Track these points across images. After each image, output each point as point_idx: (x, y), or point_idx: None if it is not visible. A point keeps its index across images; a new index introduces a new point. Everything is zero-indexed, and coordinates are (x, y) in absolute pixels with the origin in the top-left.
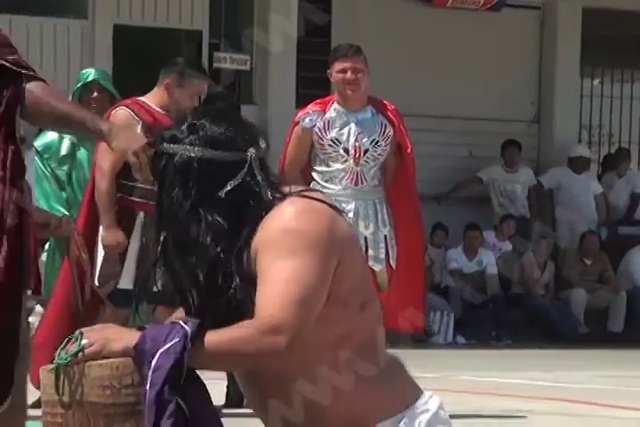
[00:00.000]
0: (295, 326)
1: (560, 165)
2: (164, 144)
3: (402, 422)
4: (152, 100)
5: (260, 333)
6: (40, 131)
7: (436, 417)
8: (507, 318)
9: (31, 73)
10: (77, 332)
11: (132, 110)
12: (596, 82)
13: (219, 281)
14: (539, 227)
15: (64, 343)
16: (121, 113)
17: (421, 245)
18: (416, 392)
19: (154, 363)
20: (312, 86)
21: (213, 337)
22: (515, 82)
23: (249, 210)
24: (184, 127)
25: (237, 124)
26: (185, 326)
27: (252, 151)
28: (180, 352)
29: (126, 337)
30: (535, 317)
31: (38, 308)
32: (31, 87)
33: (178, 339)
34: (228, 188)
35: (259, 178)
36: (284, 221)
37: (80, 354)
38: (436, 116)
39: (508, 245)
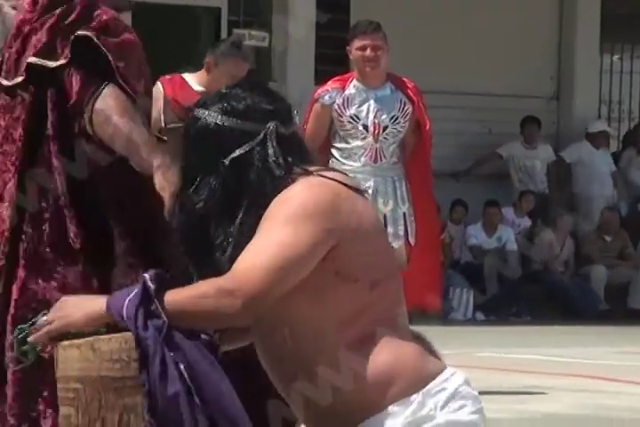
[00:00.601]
0: (255, 290)
1: (579, 140)
2: (195, 109)
3: (414, 403)
4: (194, 77)
5: (220, 292)
6: None
7: (455, 394)
8: (526, 294)
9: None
10: (42, 313)
11: (162, 85)
12: (616, 58)
13: (216, 251)
14: (558, 203)
15: None
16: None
17: (437, 222)
18: (436, 370)
19: (124, 314)
20: (331, 63)
21: (174, 291)
22: (534, 58)
23: (252, 182)
24: (217, 95)
25: (268, 96)
26: (145, 275)
27: (271, 124)
28: (141, 294)
29: (86, 307)
30: (555, 293)
31: None
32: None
33: (138, 287)
34: (234, 155)
35: (270, 151)
36: (288, 192)
37: (42, 334)
38: (455, 93)
39: (527, 222)
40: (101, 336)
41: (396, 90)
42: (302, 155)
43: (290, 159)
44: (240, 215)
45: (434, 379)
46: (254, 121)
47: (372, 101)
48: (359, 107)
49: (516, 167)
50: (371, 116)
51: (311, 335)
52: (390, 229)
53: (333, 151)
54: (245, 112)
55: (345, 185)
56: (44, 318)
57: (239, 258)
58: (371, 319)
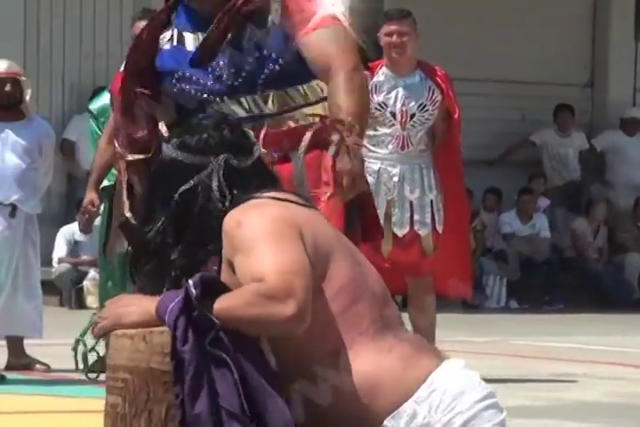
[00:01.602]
0: (300, 294)
1: (613, 128)
2: (163, 143)
3: (406, 414)
4: None
5: (265, 298)
6: (94, 94)
7: (447, 392)
8: (559, 282)
9: None
10: (93, 313)
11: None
12: None
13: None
14: (591, 191)
15: None
16: None
17: (468, 210)
18: (425, 372)
19: (166, 321)
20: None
21: (222, 297)
22: (568, 45)
23: (196, 216)
24: (181, 128)
25: (228, 130)
26: (189, 280)
27: (220, 158)
28: (183, 301)
29: (138, 309)
30: (588, 281)
31: (92, 273)
32: None
33: (181, 295)
34: (182, 189)
35: (213, 185)
36: (234, 221)
37: (97, 329)
38: (490, 80)
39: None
40: (155, 329)
41: (426, 78)
42: (261, 186)
43: (237, 192)
44: (183, 248)
45: (422, 382)
46: (204, 154)
47: (400, 89)
48: (387, 94)
49: (549, 155)
50: (398, 103)
51: (292, 353)
52: (417, 217)
53: None
54: (198, 146)
55: (294, 202)
56: (98, 316)
57: (249, 275)
58: (342, 329)
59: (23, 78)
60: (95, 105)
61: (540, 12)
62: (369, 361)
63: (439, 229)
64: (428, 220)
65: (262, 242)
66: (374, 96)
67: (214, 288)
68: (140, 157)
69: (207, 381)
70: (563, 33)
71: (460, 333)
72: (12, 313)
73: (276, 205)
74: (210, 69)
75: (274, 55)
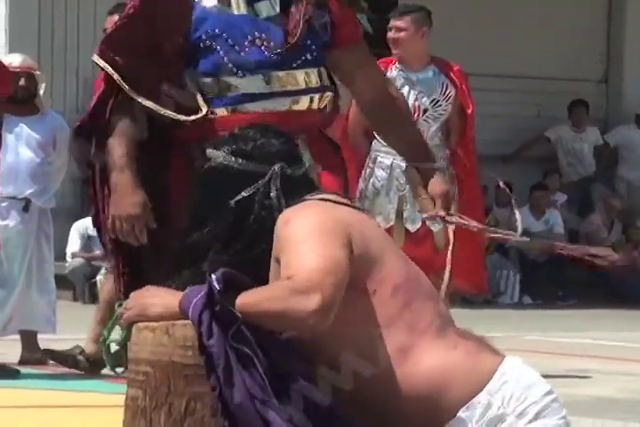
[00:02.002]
0: (327, 292)
1: (628, 123)
2: (207, 149)
3: (481, 404)
4: None
5: (292, 293)
6: None
7: (518, 384)
8: (573, 277)
9: None
10: (117, 303)
11: None
12: None
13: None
14: (605, 186)
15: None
16: None
17: (482, 206)
18: (493, 366)
19: (190, 316)
20: (376, 46)
21: (246, 292)
22: (583, 41)
23: (252, 224)
24: (228, 136)
25: (277, 139)
26: (212, 275)
27: (276, 166)
28: (207, 295)
29: (163, 301)
30: (601, 277)
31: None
32: None
33: (205, 290)
34: (238, 197)
35: (272, 194)
36: (284, 219)
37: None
38: (504, 76)
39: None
40: (177, 322)
41: (439, 73)
42: (309, 194)
43: (290, 201)
44: (230, 255)
45: (492, 375)
46: (260, 162)
47: (412, 84)
48: (400, 89)
49: (564, 150)
50: (411, 98)
51: (357, 352)
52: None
53: (376, 134)
54: (252, 154)
55: (342, 204)
56: (123, 306)
57: (288, 268)
58: (405, 328)
59: (37, 72)
60: None
61: (555, 7)
62: (438, 356)
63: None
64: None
65: (304, 241)
66: None
67: (236, 284)
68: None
69: (238, 371)
70: (578, 29)
71: (473, 328)
72: (26, 308)
73: (326, 206)
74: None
75: (314, 46)
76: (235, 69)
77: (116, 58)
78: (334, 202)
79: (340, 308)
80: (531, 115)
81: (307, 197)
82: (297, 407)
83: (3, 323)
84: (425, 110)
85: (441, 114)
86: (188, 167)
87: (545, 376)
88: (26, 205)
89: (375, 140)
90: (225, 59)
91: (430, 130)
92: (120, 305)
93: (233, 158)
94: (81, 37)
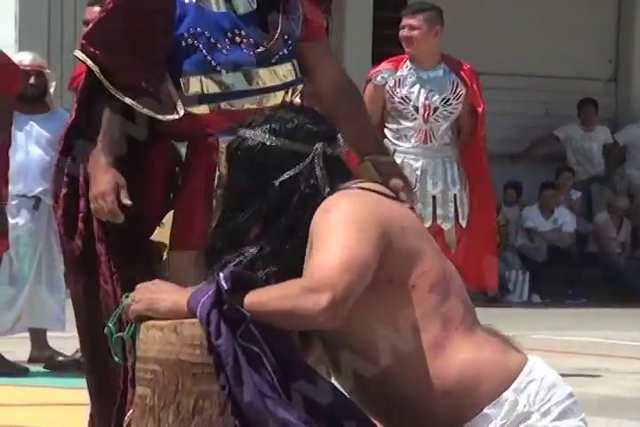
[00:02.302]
0: (341, 290)
1: (637, 123)
2: (240, 129)
3: (507, 402)
4: None
5: (303, 290)
6: None
7: (543, 384)
8: (582, 276)
9: None
10: (124, 295)
11: None
12: None
13: (263, 271)
14: (614, 185)
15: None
16: None
17: (494, 205)
18: (520, 364)
19: (198, 315)
20: (388, 44)
21: (256, 291)
22: (592, 40)
23: (297, 204)
24: (262, 116)
25: (314, 118)
26: (220, 274)
27: (319, 146)
28: (215, 294)
29: (173, 297)
30: (611, 276)
31: None
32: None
33: (212, 289)
34: (283, 177)
35: (317, 173)
36: (329, 201)
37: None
38: (514, 75)
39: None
40: (185, 320)
41: (450, 72)
42: (347, 177)
43: (335, 181)
44: (280, 235)
45: (519, 373)
46: (302, 142)
47: (423, 83)
48: (410, 88)
49: (573, 149)
50: (421, 97)
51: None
52: (440, 211)
53: (386, 132)
54: (293, 132)
55: (382, 194)
56: (130, 298)
57: (310, 264)
58: (440, 323)
59: (47, 71)
60: None
61: (565, 6)
62: (469, 352)
63: (462, 223)
64: (451, 214)
65: (338, 233)
66: (398, 90)
67: (245, 282)
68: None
69: (247, 370)
70: (587, 28)
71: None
72: (36, 306)
73: (369, 196)
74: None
75: (290, 41)
76: (218, 68)
77: (97, 52)
78: (377, 192)
79: (374, 302)
80: (539, 113)
81: (349, 184)
82: (303, 407)
83: (12, 321)
84: (435, 109)
85: (451, 113)
86: (168, 165)
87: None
88: (36, 203)
89: (386, 140)
90: (208, 57)
91: (440, 129)
92: (127, 297)
93: (274, 138)
94: None
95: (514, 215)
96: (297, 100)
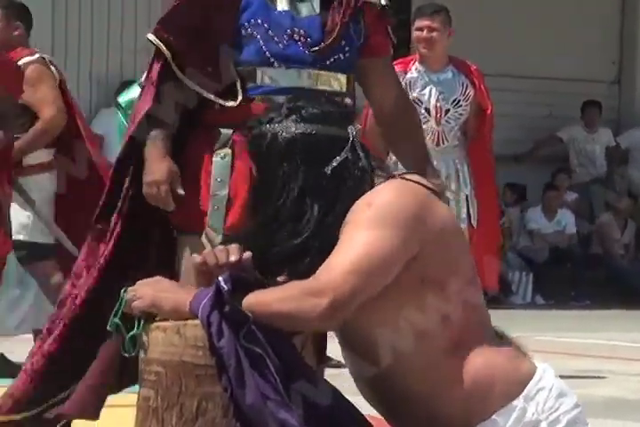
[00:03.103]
0: (342, 293)
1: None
2: (264, 126)
3: (517, 409)
4: None
5: (304, 292)
6: (123, 86)
7: (552, 392)
8: (586, 278)
9: None
10: (122, 289)
11: None
12: None
13: (307, 259)
14: (617, 187)
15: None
16: None
17: (498, 205)
18: (530, 371)
19: (199, 316)
20: (393, 46)
21: (257, 291)
22: (596, 42)
23: (350, 188)
24: (280, 109)
25: (330, 103)
26: (220, 277)
27: (353, 128)
28: (214, 296)
29: (175, 296)
30: (615, 277)
31: None
32: None
33: (212, 291)
34: (334, 164)
35: (361, 155)
36: (372, 195)
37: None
38: (518, 76)
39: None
40: (189, 321)
41: (459, 73)
42: (373, 156)
43: (373, 161)
44: (332, 220)
45: (530, 380)
46: (340, 126)
47: (433, 85)
48: (421, 90)
49: (576, 151)
50: (432, 99)
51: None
52: (453, 212)
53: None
54: (324, 117)
55: (426, 188)
56: (132, 293)
57: (326, 262)
58: (458, 326)
59: None
60: (124, 98)
61: (568, 8)
62: (485, 357)
63: (474, 223)
64: (464, 215)
65: (361, 231)
66: (409, 93)
67: (245, 284)
68: None
69: (249, 372)
70: (591, 30)
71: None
72: (41, 307)
73: (417, 192)
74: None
75: (347, 48)
76: (272, 60)
77: (170, 38)
78: (426, 187)
79: (400, 299)
80: (543, 115)
81: (395, 173)
82: (303, 408)
83: (18, 321)
84: (447, 111)
85: (461, 114)
86: (208, 151)
87: (558, 377)
88: None
89: None
90: (264, 49)
91: (452, 131)
92: (125, 291)
93: (309, 125)
94: (94, 39)
95: (517, 216)
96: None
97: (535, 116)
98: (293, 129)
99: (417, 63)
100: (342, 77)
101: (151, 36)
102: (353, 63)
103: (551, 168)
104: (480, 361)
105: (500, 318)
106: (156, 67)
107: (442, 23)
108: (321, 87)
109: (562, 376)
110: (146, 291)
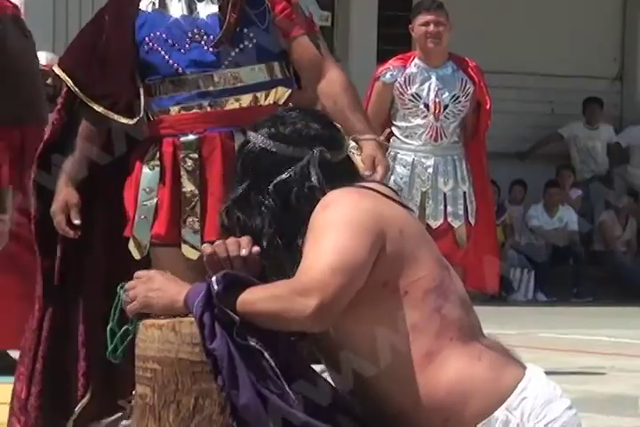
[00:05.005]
0: (329, 293)
1: (638, 124)
2: (248, 130)
3: (498, 421)
4: None
5: (292, 292)
6: None
7: (537, 401)
8: (588, 275)
9: None
10: (119, 285)
11: None
12: None
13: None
14: (618, 184)
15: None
16: None
17: (494, 202)
18: (514, 380)
19: (193, 314)
20: (393, 42)
21: (247, 291)
22: (598, 39)
23: (294, 206)
24: (269, 118)
25: (320, 123)
26: (212, 277)
27: (316, 150)
28: (206, 297)
29: (169, 294)
30: (617, 274)
31: None
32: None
33: (203, 292)
34: (276, 180)
35: (313, 177)
36: (327, 198)
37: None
38: (519, 73)
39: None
40: (184, 318)
41: (458, 69)
42: (352, 179)
43: (336, 185)
44: (280, 234)
45: (513, 390)
46: (300, 146)
47: (433, 80)
48: (420, 85)
49: (577, 148)
50: (432, 94)
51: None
52: (450, 209)
53: (394, 130)
54: (291, 137)
55: (382, 194)
56: (127, 291)
57: (302, 264)
58: (433, 332)
59: None
60: None
61: (570, 5)
62: (461, 367)
63: (471, 220)
64: (461, 211)
65: (332, 232)
66: (408, 88)
67: (239, 283)
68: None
69: (243, 371)
70: (592, 26)
71: (487, 325)
72: None
73: (369, 196)
74: (201, 41)
75: (252, 34)
76: (176, 66)
77: (73, 68)
78: (380, 193)
79: (367, 305)
80: (545, 112)
81: (352, 183)
82: (302, 404)
83: None
84: (446, 106)
85: (460, 110)
86: (140, 163)
87: (559, 373)
88: None
89: (394, 138)
90: (167, 59)
91: (450, 127)
92: (121, 288)
93: (272, 142)
94: None
95: (520, 214)
96: (280, 102)
97: (538, 113)
98: (259, 142)
99: (417, 59)
100: (259, 67)
101: (56, 68)
102: (271, 49)
103: (554, 165)
104: (456, 369)
105: (502, 316)
106: (63, 94)
107: (446, 17)
108: (239, 84)
109: (564, 373)
110: (137, 292)
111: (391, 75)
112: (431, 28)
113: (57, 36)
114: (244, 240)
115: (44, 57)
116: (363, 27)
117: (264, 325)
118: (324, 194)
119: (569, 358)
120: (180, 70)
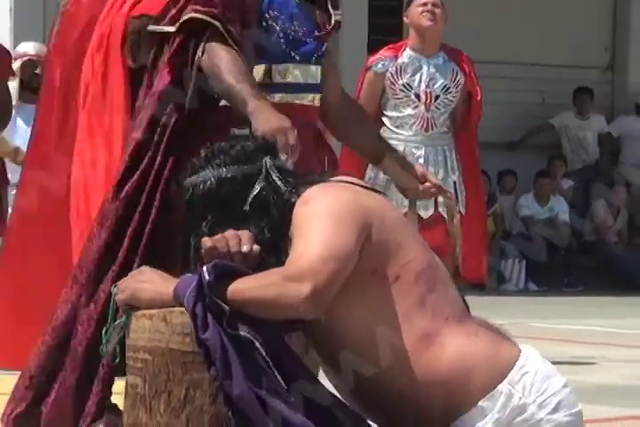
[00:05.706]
0: (321, 279)
1: (631, 113)
2: (186, 180)
3: (502, 395)
4: None
5: (285, 279)
6: None
7: (538, 375)
8: (579, 265)
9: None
10: (113, 285)
11: None
12: None
13: None
14: (610, 174)
15: None
16: None
17: (484, 192)
18: (513, 356)
19: (185, 305)
20: (384, 32)
21: (238, 280)
22: (589, 28)
23: (276, 214)
24: (199, 159)
25: (249, 139)
26: (203, 267)
27: (266, 159)
28: (197, 288)
29: (156, 287)
30: (608, 264)
31: None
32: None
33: (195, 282)
34: (249, 199)
35: (278, 183)
36: (306, 194)
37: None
38: (510, 63)
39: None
40: (175, 308)
41: (449, 60)
42: (303, 178)
43: (295, 184)
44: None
45: (513, 365)
46: (251, 162)
47: (424, 70)
48: (412, 76)
49: (568, 138)
50: (423, 84)
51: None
52: (441, 199)
53: (385, 120)
54: (239, 158)
55: (360, 186)
56: (115, 289)
57: (292, 253)
58: (429, 314)
59: None
60: None
61: None
62: (461, 344)
63: (462, 210)
64: None
65: (316, 223)
66: (399, 78)
67: (231, 273)
68: None
69: (236, 362)
70: (583, 16)
71: (478, 315)
72: None
73: (347, 188)
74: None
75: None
76: (292, 54)
77: (215, 12)
78: (356, 185)
79: (358, 294)
80: (536, 102)
81: (329, 178)
82: (296, 395)
83: None
84: (437, 97)
85: (451, 101)
86: None
87: (550, 363)
88: None
89: (384, 128)
90: (282, 43)
91: (441, 117)
92: (115, 286)
93: (224, 169)
94: None
95: (510, 204)
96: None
97: (529, 103)
98: (211, 176)
99: (408, 49)
100: (318, 69)
101: (197, 15)
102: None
103: (545, 155)
104: (455, 347)
105: (492, 305)
106: (170, 49)
107: (441, 4)
108: (311, 81)
109: (554, 362)
110: (127, 284)
111: (382, 65)
112: (429, 6)
113: (47, 26)
114: (245, 235)
115: (31, 47)
116: (353, 17)
117: (257, 313)
118: (298, 195)
119: (559, 347)
120: (294, 56)
